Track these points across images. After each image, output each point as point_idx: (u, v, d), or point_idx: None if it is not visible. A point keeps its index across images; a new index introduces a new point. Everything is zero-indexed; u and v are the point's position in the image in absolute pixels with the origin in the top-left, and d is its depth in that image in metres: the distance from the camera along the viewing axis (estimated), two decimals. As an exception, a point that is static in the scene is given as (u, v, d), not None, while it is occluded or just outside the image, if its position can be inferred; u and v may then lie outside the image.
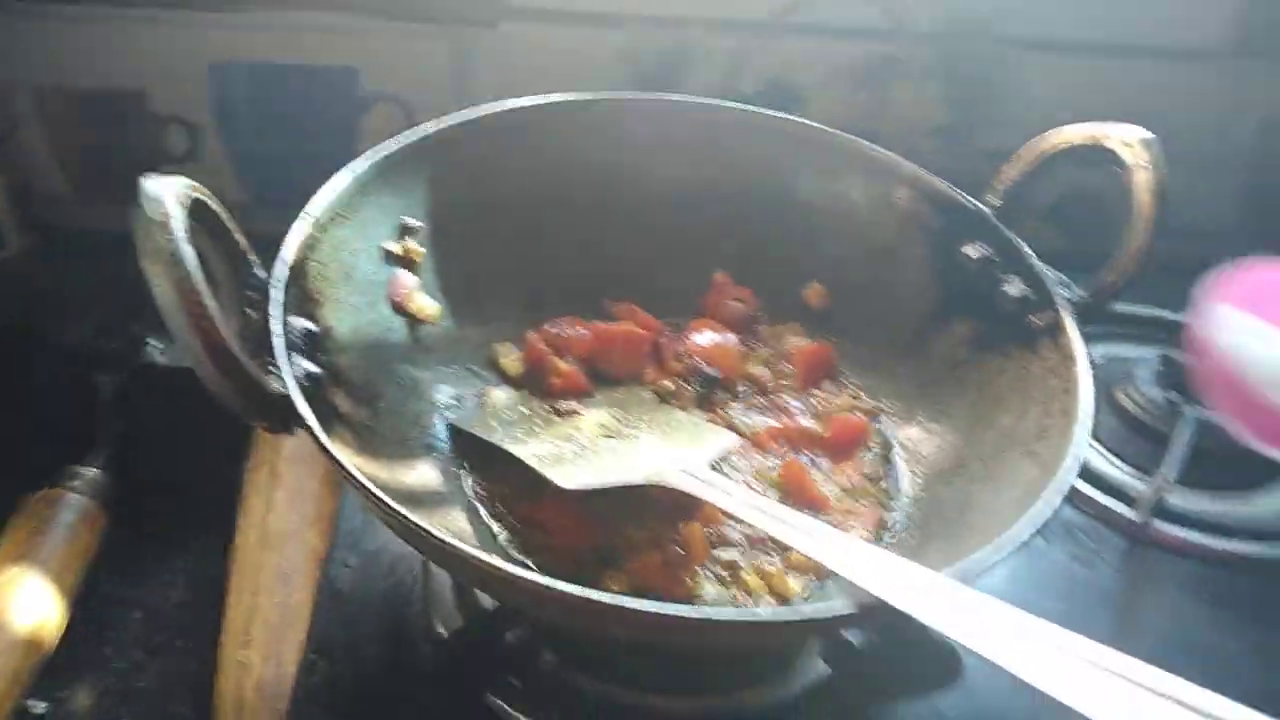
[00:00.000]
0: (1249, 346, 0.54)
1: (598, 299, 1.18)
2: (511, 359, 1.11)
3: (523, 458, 0.95)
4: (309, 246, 0.95)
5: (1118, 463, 1.21)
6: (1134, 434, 1.21)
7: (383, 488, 0.78)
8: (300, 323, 0.90)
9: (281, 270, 0.90)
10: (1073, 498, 1.10)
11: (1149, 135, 0.95)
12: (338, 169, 0.95)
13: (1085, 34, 1.38)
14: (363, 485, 0.76)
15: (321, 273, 0.96)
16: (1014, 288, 1.03)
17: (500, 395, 1.08)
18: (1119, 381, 1.27)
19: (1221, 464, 1.12)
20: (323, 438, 0.79)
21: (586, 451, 0.97)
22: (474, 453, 1.01)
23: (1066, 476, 0.83)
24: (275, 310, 0.87)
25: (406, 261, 1.03)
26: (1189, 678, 0.56)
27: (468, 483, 1.00)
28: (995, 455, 0.97)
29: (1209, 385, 0.55)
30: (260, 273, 0.91)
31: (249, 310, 0.90)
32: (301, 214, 0.96)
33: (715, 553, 0.93)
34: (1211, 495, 1.15)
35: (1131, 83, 1.38)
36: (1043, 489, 0.83)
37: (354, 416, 0.93)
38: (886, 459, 1.06)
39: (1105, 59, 1.38)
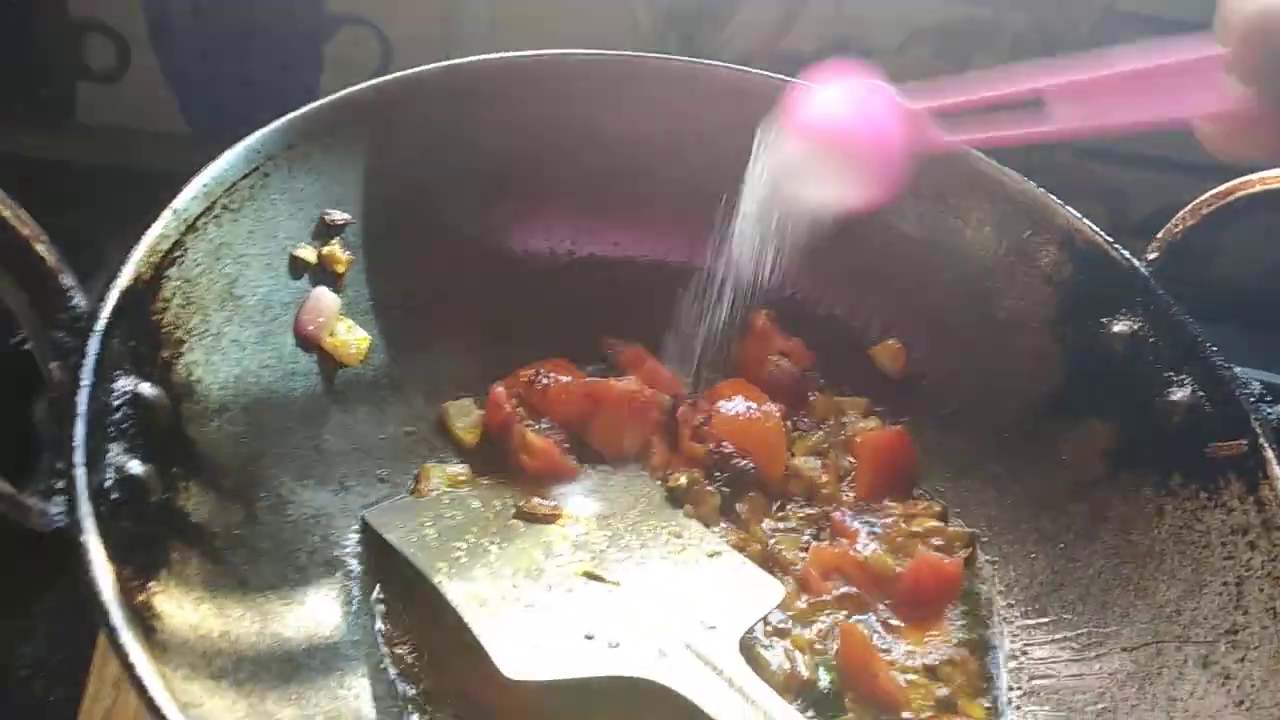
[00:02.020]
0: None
1: (594, 336, 0.89)
2: (467, 422, 0.80)
3: (463, 614, 0.65)
4: (169, 259, 0.66)
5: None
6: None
7: (246, 650, 0.57)
8: (130, 387, 0.58)
9: (110, 304, 0.58)
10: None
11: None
12: (297, 101, 0.76)
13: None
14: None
15: (187, 295, 0.68)
16: (1181, 392, 0.74)
17: (445, 476, 0.77)
18: None
19: None
20: (117, 621, 0.48)
21: (555, 601, 0.67)
22: (393, 568, 0.71)
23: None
24: (87, 374, 0.55)
25: (325, 274, 0.77)
26: None
27: (380, 624, 0.69)
28: (1152, 649, 0.68)
29: None
30: (79, 302, 0.59)
31: (55, 366, 0.59)
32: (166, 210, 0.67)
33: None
34: None
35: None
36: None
37: (212, 527, 0.63)
38: (985, 622, 0.75)
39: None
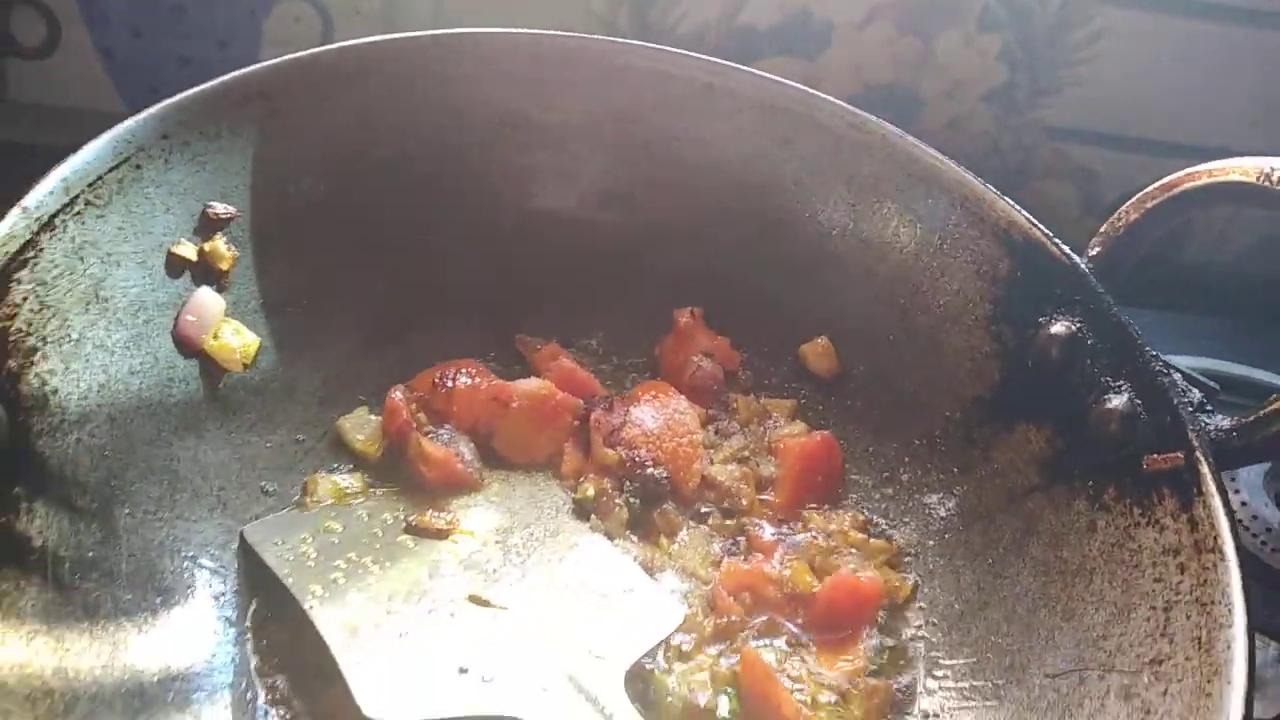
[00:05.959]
0: None
1: (506, 333, 0.84)
2: (366, 434, 0.75)
3: (330, 644, 0.61)
4: (18, 260, 0.61)
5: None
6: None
7: (86, 686, 0.53)
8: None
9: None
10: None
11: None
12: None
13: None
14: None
15: (41, 299, 0.63)
16: (1118, 399, 0.69)
17: (333, 488, 0.72)
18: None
19: None
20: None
21: (432, 629, 0.62)
22: (270, 588, 0.67)
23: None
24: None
25: (208, 272, 0.73)
26: None
27: (251, 649, 0.65)
28: (1075, 676, 0.64)
29: None
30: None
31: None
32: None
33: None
34: None
35: (1228, 52, 1.16)
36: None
37: (60, 551, 0.59)
38: (902, 647, 0.71)
39: (1205, 22, 1.15)
